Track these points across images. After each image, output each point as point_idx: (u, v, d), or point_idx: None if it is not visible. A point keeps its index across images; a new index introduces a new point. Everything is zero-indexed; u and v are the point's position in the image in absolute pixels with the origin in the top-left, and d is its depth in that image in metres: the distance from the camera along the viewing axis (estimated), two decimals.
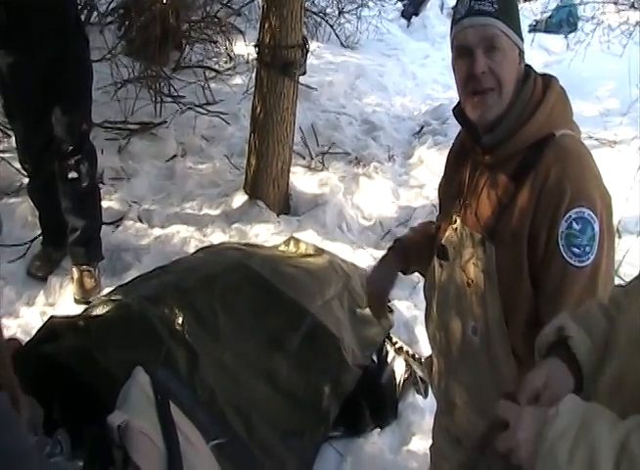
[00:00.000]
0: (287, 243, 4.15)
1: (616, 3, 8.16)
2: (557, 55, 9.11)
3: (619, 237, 4.58)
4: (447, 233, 2.21)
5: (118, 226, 4.87)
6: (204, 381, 2.84)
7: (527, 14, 9.25)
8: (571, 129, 2.03)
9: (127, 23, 7.23)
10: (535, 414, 1.30)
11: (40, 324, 3.14)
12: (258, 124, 5.13)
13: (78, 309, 3.64)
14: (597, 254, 1.92)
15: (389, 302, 3.84)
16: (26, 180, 4.53)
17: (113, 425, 1.43)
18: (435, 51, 10.02)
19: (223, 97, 6.97)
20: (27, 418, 1.63)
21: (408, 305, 4.27)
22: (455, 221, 2.18)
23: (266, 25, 4.92)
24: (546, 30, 10.14)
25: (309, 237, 4.70)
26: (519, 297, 2.03)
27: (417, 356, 3.61)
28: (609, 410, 1.26)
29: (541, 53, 9.23)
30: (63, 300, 4.17)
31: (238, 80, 7.37)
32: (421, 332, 3.95)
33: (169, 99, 6.65)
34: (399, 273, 2.50)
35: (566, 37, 9.20)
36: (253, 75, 5.34)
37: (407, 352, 3.62)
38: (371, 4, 9.77)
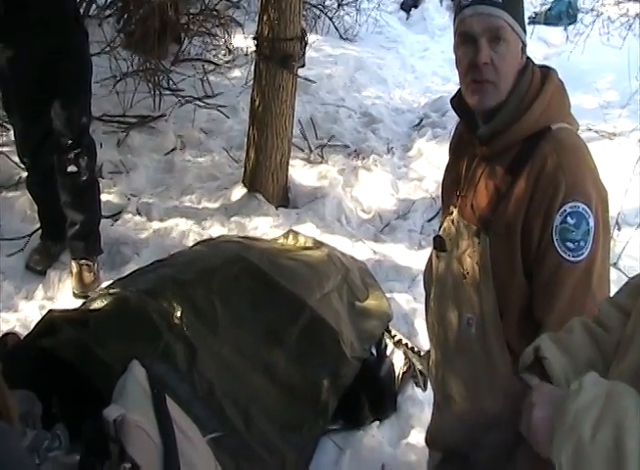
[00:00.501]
0: (286, 236, 4.15)
1: None
2: (556, 47, 9.08)
3: (619, 229, 4.57)
4: (445, 225, 2.22)
5: (117, 220, 4.87)
6: (202, 374, 2.84)
7: (527, 5, 9.13)
8: (568, 122, 2.03)
9: (126, 15, 7.22)
10: (554, 391, 1.25)
11: (39, 318, 3.14)
12: (257, 117, 5.12)
13: (77, 303, 3.64)
14: (591, 248, 1.93)
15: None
16: (25, 174, 4.54)
17: (108, 419, 1.43)
18: (435, 43, 9.99)
19: (222, 90, 6.96)
20: (20, 414, 1.63)
21: (407, 297, 4.27)
22: (452, 213, 2.18)
23: (265, 18, 4.91)
24: (545, 22, 10.10)
25: (308, 230, 4.70)
26: (512, 289, 2.04)
27: (416, 349, 3.60)
28: (633, 389, 1.18)
29: (540, 45, 9.20)
30: (62, 293, 4.17)
31: (237, 73, 7.35)
32: (420, 325, 3.96)
33: (168, 92, 6.65)
34: None
35: (565, 29, 9.18)
36: (252, 68, 5.33)
37: (406, 344, 3.62)
38: None
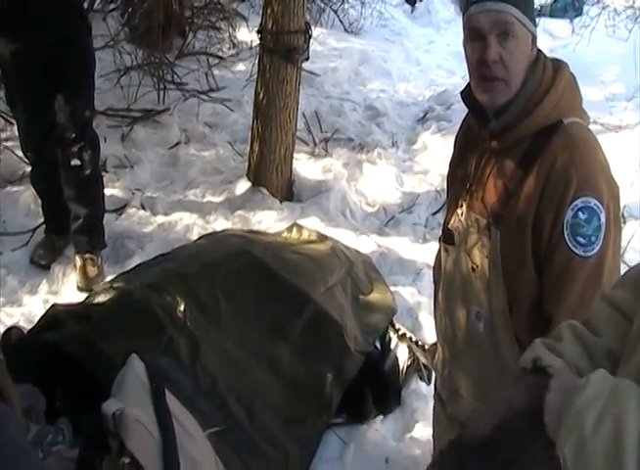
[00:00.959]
0: (289, 230, 4.14)
1: None
2: (562, 39, 9.04)
3: (624, 222, 4.56)
4: (454, 218, 2.21)
5: (121, 214, 4.87)
6: (205, 368, 2.84)
7: None
8: (579, 117, 2.02)
9: (130, 9, 7.21)
10: (567, 381, 1.26)
11: (43, 312, 3.14)
12: (261, 111, 5.11)
13: (81, 297, 3.63)
14: (603, 244, 1.91)
15: None
16: (29, 168, 4.54)
17: (107, 413, 1.43)
18: (440, 37, 9.97)
19: (226, 84, 6.94)
20: (24, 409, 1.63)
21: (412, 291, 4.26)
22: (461, 206, 2.17)
23: (269, 11, 4.89)
24: (551, 15, 10.07)
25: (312, 223, 4.69)
26: (522, 283, 2.02)
27: (420, 343, 3.60)
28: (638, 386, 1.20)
29: (546, 37, 9.15)
30: (66, 288, 4.17)
31: (241, 67, 7.34)
32: (424, 318, 3.95)
33: (172, 86, 6.63)
34: None
35: (571, 22, 9.15)
36: (257, 62, 5.31)
37: (410, 338, 3.61)
38: None
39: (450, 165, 2.36)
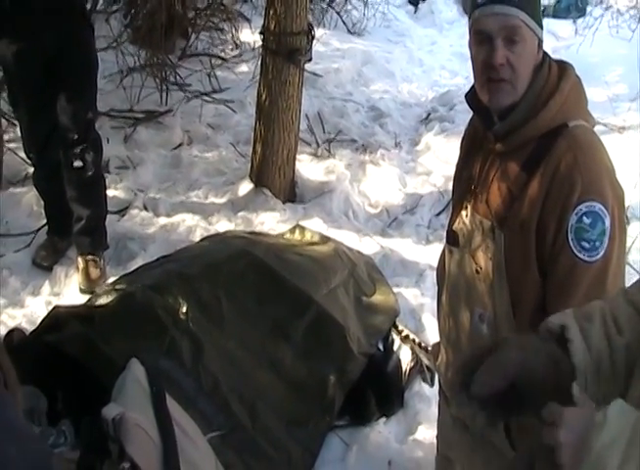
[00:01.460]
0: (292, 231, 4.14)
1: None
2: (565, 40, 9.03)
3: (628, 224, 4.54)
4: (458, 220, 2.20)
5: (124, 215, 4.86)
6: (208, 370, 2.84)
7: None
8: (585, 120, 2.01)
9: (133, 10, 7.21)
10: (582, 416, 1.19)
11: (45, 314, 3.14)
12: (264, 112, 5.11)
13: (84, 299, 3.64)
14: (607, 249, 1.91)
15: None
16: (32, 169, 4.54)
17: (107, 418, 1.42)
18: (443, 37, 9.94)
19: (229, 85, 6.93)
20: (26, 410, 1.63)
21: (415, 292, 4.25)
22: (466, 208, 2.16)
23: (271, 12, 4.89)
24: (554, 15, 10.05)
25: (315, 225, 4.69)
26: (526, 286, 2.02)
27: (423, 345, 3.58)
28: None
29: (549, 38, 9.11)
30: (68, 289, 4.17)
31: (244, 68, 7.33)
32: (427, 320, 3.95)
33: (175, 87, 6.63)
34: None
35: (574, 22, 9.12)
36: (259, 63, 5.31)
37: (413, 340, 3.60)
38: None
39: (456, 167, 2.36)
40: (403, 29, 9.81)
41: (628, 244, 4.27)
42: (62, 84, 3.98)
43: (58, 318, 2.90)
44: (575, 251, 1.90)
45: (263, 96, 5.07)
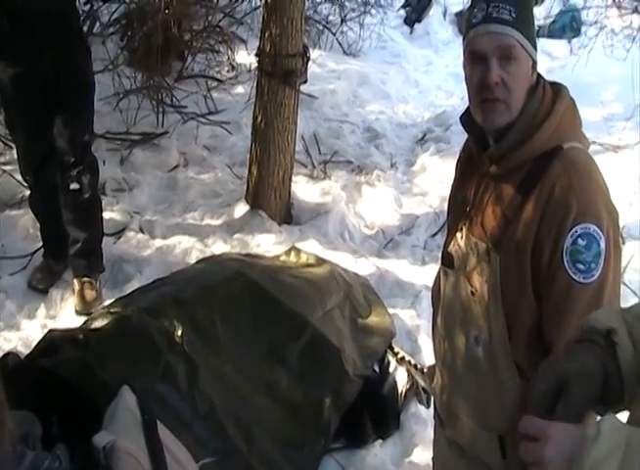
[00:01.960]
0: (287, 253, 4.14)
1: (619, 7, 8.14)
2: (560, 60, 9.07)
3: (623, 243, 4.55)
4: (453, 242, 2.20)
5: (120, 237, 4.86)
6: (203, 393, 2.83)
7: None
8: (579, 142, 2.01)
9: (129, 33, 7.23)
10: (569, 431, 1.17)
11: (41, 337, 3.13)
12: (259, 134, 5.12)
13: (79, 321, 3.63)
14: (602, 270, 1.90)
15: None
16: (28, 192, 4.54)
17: (98, 446, 1.42)
18: (439, 58, 9.99)
19: (225, 106, 6.95)
20: (20, 435, 1.62)
21: (411, 313, 4.24)
22: (461, 230, 2.16)
23: (267, 34, 4.91)
24: (549, 35, 10.10)
25: (311, 246, 4.69)
26: (522, 308, 2.01)
27: (419, 366, 3.58)
28: None
29: (544, 58, 9.18)
30: (64, 312, 4.16)
31: (240, 89, 7.35)
32: (424, 341, 3.94)
33: (171, 109, 6.64)
34: None
35: (569, 42, 9.19)
36: (255, 84, 5.33)
37: (409, 361, 3.60)
38: (373, 11, 9.73)
39: (451, 189, 2.36)
40: (399, 50, 9.85)
41: (624, 264, 4.29)
42: (59, 107, 3.99)
43: (53, 342, 2.89)
44: (571, 272, 1.90)
45: (259, 118, 5.09)
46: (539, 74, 2.04)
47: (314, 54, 6.43)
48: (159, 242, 4.85)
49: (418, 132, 7.13)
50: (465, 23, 2.04)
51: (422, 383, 3.48)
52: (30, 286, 4.33)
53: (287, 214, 5.29)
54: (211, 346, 3.02)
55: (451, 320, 2.24)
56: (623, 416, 1.32)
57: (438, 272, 2.38)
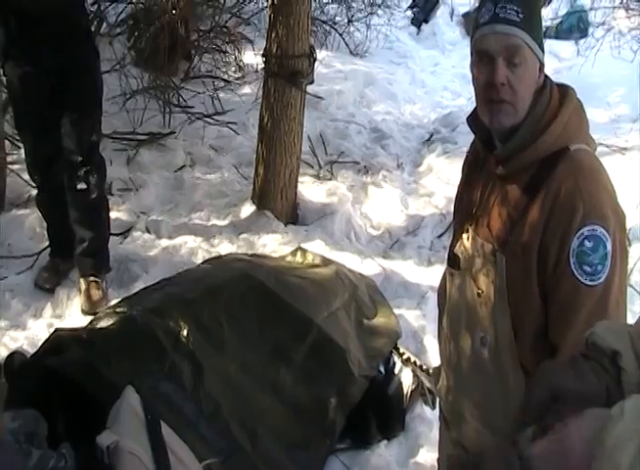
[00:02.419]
0: (293, 254, 4.14)
1: (626, 9, 8.12)
2: (567, 61, 9.06)
3: (630, 245, 4.54)
4: (459, 243, 2.20)
5: (126, 237, 4.87)
6: (208, 393, 2.83)
7: None
8: (586, 143, 2.00)
9: (136, 33, 7.24)
10: (593, 412, 1.17)
11: (47, 336, 3.13)
12: (266, 134, 5.13)
13: (86, 321, 3.64)
14: (609, 272, 1.89)
15: None
16: (35, 191, 4.55)
17: (102, 446, 1.42)
18: (445, 58, 10.00)
19: (232, 107, 6.95)
20: (26, 434, 1.63)
21: (416, 314, 4.24)
22: (467, 231, 2.16)
23: (273, 35, 4.92)
24: (556, 36, 10.09)
25: (317, 247, 4.69)
26: (527, 309, 2.01)
27: (425, 367, 3.58)
28: None
29: (552, 59, 9.15)
30: (70, 311, 4.17)
31: (247, 90, 7.36)
32: (429, 342, 3.93)
33: (178, 109, 6.65)
34: None
35: (576, 43, 9.16)
36: (262, 85, 5.33)
37: (415, 362, 3.60)
38: (380, 12, 9.73)
39: (457, 190, 2.36)
40: (406, 51, 9.85)
41: (630, 266, 4.29)
42: (66, 107, 4.01)
43: (59, 342, 2.89)
44: (577, 274, 1.89)
45: (265, 118, 5.10)
46: (547, 76, 2.03)
47: (321, 55, 6.44)
48: (165, 242, 4.86)
49: (424, 133, 7.12)
50: (472, 23, 2.04)
51: (427, 384, 3.48)
52: (37, 285, 4.34)
53: (293, 215, 5.29)
54: (217, 346, 3.02)
55: (457, 321, 2.24)
56: None
57: (444, 273, 2.37)
